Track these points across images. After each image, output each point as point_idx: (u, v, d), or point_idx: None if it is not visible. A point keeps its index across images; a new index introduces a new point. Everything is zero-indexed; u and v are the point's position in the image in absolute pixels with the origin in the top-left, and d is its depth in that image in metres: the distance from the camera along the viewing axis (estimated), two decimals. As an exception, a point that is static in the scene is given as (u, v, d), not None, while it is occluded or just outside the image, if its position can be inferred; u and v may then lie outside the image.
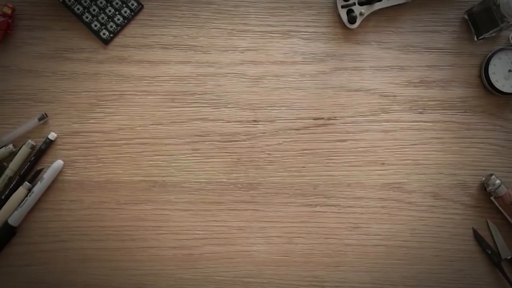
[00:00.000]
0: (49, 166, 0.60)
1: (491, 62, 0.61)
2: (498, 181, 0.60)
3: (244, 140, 0.62)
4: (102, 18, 0.62)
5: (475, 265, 0.62)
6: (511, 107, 0.63)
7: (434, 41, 0.63)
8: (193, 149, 0.62)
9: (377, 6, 0.61)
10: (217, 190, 0.61)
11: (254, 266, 0.61)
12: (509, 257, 0.62)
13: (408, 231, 0.62)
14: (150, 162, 0.61)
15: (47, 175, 0.59)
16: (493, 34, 0.61)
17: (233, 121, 0.62)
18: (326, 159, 0.62)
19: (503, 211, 0.61)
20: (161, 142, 0.61)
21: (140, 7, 0.62)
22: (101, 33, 0.62)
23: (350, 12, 0.61)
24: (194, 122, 0.62)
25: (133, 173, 0.61)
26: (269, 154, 0.62)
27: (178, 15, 0.62)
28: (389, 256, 0.61)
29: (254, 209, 0.61)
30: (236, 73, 0.62)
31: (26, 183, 0.59)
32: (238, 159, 0.62)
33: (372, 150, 0.62)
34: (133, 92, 0.62)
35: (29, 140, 0.60)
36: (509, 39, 0.63)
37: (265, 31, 0.63)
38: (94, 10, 0.62)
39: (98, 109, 0.61)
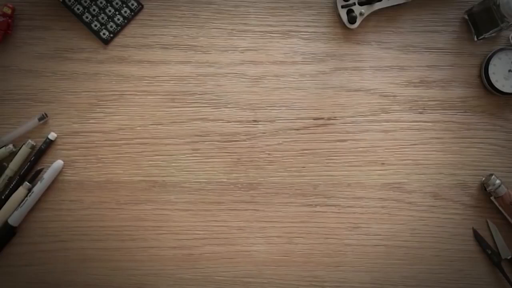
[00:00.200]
0: (49, 166, 0.60)
1: (491, 62, 0.61)
2: (498, 181, 0.60)
3: (244, 140, 0.62)
4: (102, 18, 0.62)
5: (475, 265, 0.62)
6: (511, 107, 0.63)
7: (434, 41, 0.63)
8: (193, 149, 0.62)
9: (377, 6, 0.61)
10: (217, 190, 0.61)
11: (254, 266, 0.61)
12: (509, 257, 0.62)
13: (408, 231, 0.62)
14: (150, 162, 0.61)
15: (47, 175, 0.59)
16: (493, 34, 0.61)
17: (233, 121, 0.62)
18: (326, 159, 0.62)
19: (503, 211, 0.61)
20: (161, 142, 0.61)
21: (140, 7, 0.62)
22: (101, 33, 0.62)
23: (350, 12, 0.61)
24: (194, 122, 0.62)
25: (133, 173, 0.61)
26: (269, 154, 0.62)
27: (178, 15, 0.62)
28: (389, 256, 0.62)
29: (254, 209, 0.61)
30: (236, 73, 0.62)
31: (26, 183, 0.59)
32: (238, 159, 0.62)
33: (372, 150, 0.62)
34: (133, 92, 0.62)
35: (29, 140, 0.60)
36: (509, 39, 0.63)
37: (265, 31, 0.63)
38: (94, 10, 0.62)
39: (98, 109, 0.61)
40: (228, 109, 0.62)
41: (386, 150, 0.62)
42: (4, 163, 0.60)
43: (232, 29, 0.62)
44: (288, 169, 0.62)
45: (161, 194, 0.61)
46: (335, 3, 0.62)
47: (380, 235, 0.62)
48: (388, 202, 0.62)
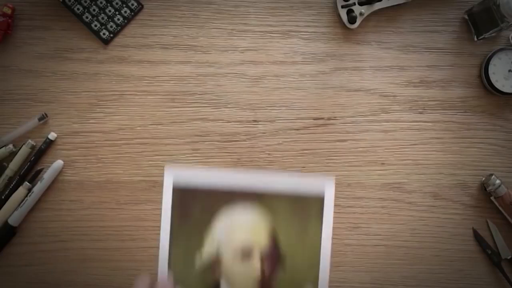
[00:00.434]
0: (49, 166, 0.60)
1: (491, 62, 0.61)
2: (498, 181, 0.60)
3: (244, 140, 0.62)
4: (102, 18, 0.62)
5: (475, 265, 0.62)
6: (511, 107, 0.63)
7: (434, 41, 0.63)
8: (193, 149, 0.62)
9: (377, 6, 0.61)
10: (217, 190, 0.61)
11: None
12: (509, 257, 0.62)
13: (408, 231, 0.62)
14: (150, 162, 0.61)
15: (47, 175, 0.59)
16: (493, 34, 0.61)
17: (233, 121, 0.62)
18: (326, 159, 0.62)
19: (503, 211, 0.61)
20: (161, 142, 0.61)
21: (140, 7, 0.62)
22: (101, 33, 0.62)
23: (350, 12, 0.61)
24: (194, 122, 0.62)
25: (133, 173, 0.61)
26: (269, 154, 0.62)
27: (178, 15, 0.62)
28: (389, 256, 0.62)
29: (254, 209, 0.61)
30: (236, 73, 0.62)
31: (26, 183, 0.59)
32: (238, 159, 0.62)
33: (372, 150, 0.62)
34: (133, 92, 0.62)
35: (29, 140, 0.60)
36: (509, 39, 0.63)
37: (265, 31, 0.63)
38: (94, 10, 0.62)
39: (98, 109, 0.61)
40: (228, 109, 0.62)
41: (386, 150, 0.62)
42: (4, 163, 0.60)
43: (232, 29, 0.62)
44: (288, 169, 0.62)
45: (161, 194, 0.61)
46: (335, 3, 0.62)
47: (380, 235, 0.62)
48: (388, 202, 0.62)
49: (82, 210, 0.61)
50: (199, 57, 0.62)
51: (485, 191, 0.62)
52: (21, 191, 0.59)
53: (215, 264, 0.54)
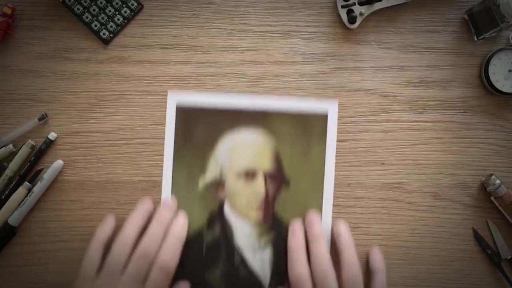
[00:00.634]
0: (49, 166, 0.60)
1: (491, 62, 0.61)
2: (498, 181, 0.60)
3: (244, 140, 0.62)
4: (102, 18, 0.62)
5: (475, 265, 0.62)
6: (511, 107, 0.63)
7: (434, 41, 0.63)
8: (193, 149, 0.62)
9: (377, 6, 0.61)
10: (217, 190, 0.61)
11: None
12: (509, 257, 0.62)
13: (408, 231, 0.62)
14: (150, 162, 0.61)
15: (47, 175, 0.59)
16: (493, 34, 0.61)
17: (233, 121, 0.62)
18: (326, 159, 0.62)
19: (503, 211, 0.61)
20: (161, 142, 0.61)
21: (140, 7, 0.62)
22: (101, 33, 0.62)
23: (350, 12, 0.61)
24: (194, 122, 0.62)
25: (133, 173, 0.61)
26: (269, 154, 0.62)
27: (178, 15, 0.62)
28: (389, 256, 0.61)
29: (254, 209, 0.61)
30: (236, 73, 0.62)
31: (26, 183, 0.59)
32: (238, 159, 0.62)
33: (372, 150, 0.62)
34: (133, 92, 0.62)
35: (29, 140, 0.60)
36: (509, 39, 0.63)
37: (265, 31, 0.63)
38: (94, 10, 0.62)
39: (98, 109, 0.61)
40: (228, 109, 0.62)
41: (386, 150, 0.62)
42: (4, 163, 0.60)
43: (232, 29, 0.62)
44: (288, 169, 0.62)
45: (161, 194, 0.61)
46: (335, 3, 0.62)
47: (380, 235, 0.62)
48: (388, 202, 0.62)
49: (82, 210, 0.61)
50: (199, 57, 0.62)
51: (485, 191, 0.62)
52: (21, 191, 0.59)
53: (218, 184, 0.54)
